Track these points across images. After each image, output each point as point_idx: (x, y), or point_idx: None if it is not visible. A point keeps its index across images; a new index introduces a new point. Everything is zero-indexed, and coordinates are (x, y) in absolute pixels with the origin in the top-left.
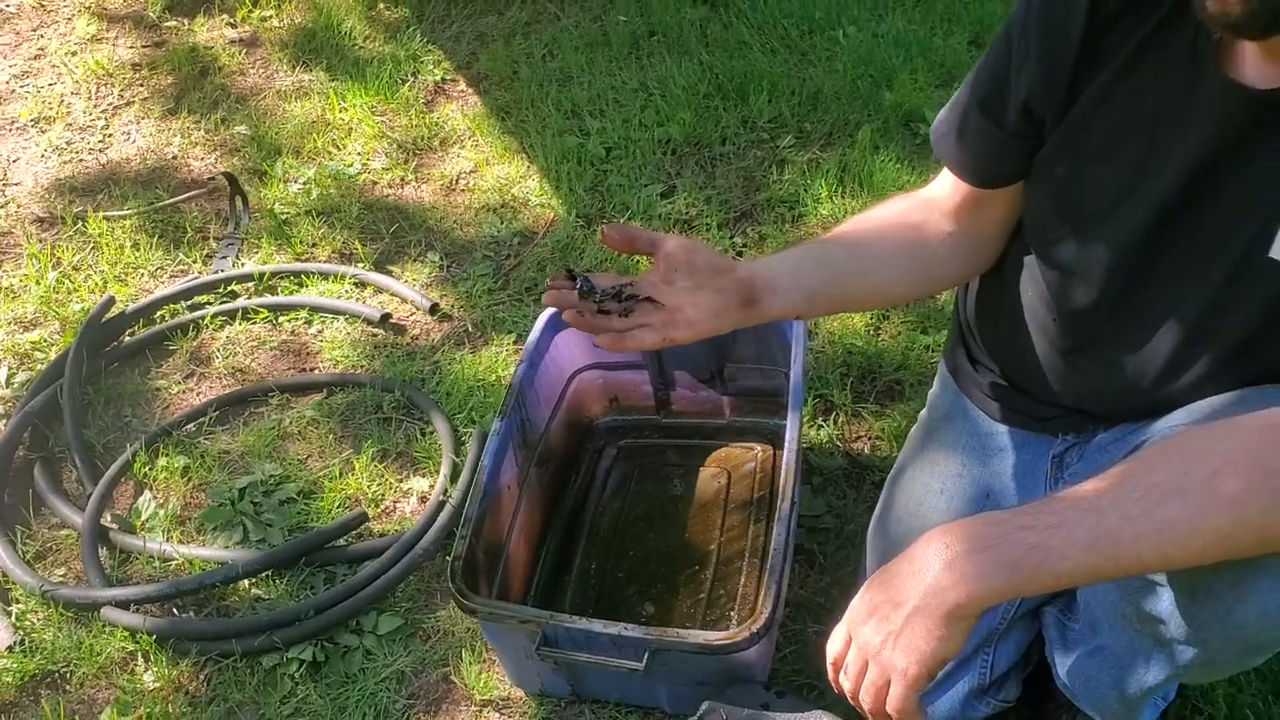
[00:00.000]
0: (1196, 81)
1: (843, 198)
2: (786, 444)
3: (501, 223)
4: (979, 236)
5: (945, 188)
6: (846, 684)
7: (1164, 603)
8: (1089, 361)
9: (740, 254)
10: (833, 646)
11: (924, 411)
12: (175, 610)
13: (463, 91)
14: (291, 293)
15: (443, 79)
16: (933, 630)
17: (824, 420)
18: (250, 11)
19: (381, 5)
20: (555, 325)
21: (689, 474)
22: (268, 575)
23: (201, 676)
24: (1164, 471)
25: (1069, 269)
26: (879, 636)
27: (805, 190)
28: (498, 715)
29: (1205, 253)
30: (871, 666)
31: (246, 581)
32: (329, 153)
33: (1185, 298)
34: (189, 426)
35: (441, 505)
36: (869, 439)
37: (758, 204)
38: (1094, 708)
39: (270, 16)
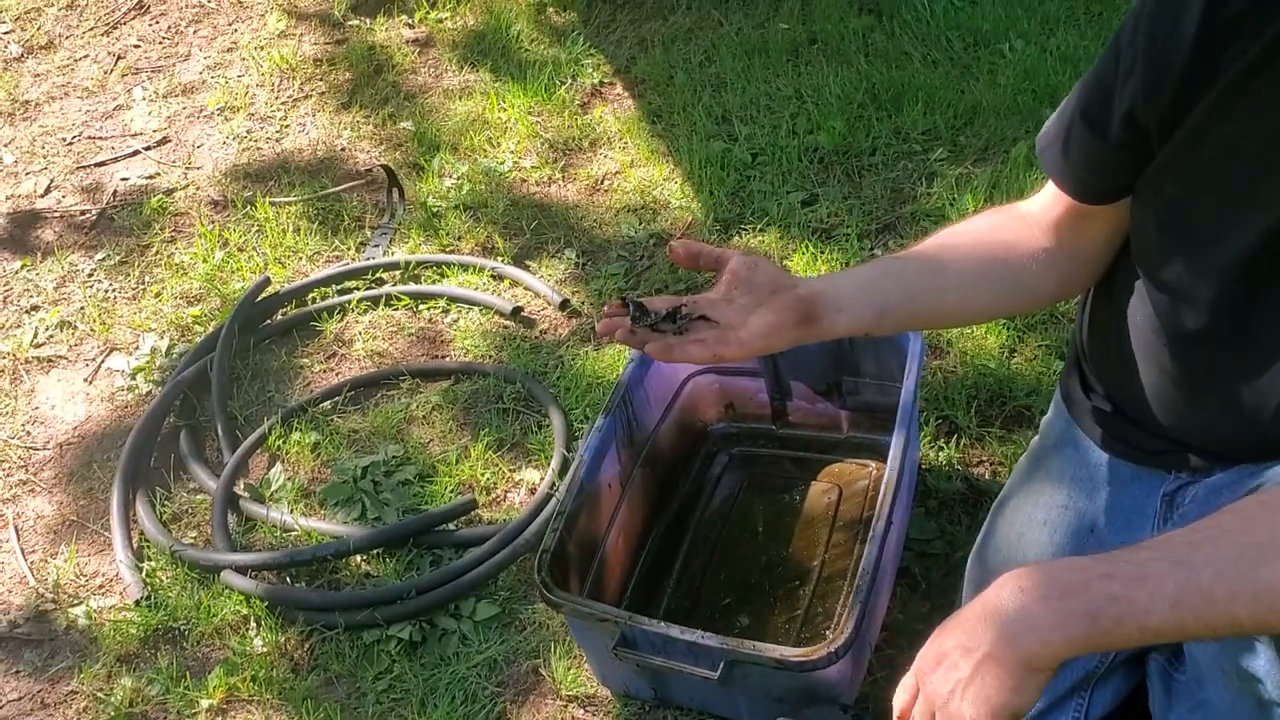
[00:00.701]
0: None
1: None
2: (890, 461)
3: (640, 223)
4: (1077, 254)
5: (1046, 200)
6: None
7: (1261, 661)
8: (1203, 393)
9: None
10: (900, 697)
11: (1035, 438)
12: (289, 579)
13: (618, 95)
14: (433, 282)
15: (600, 82)
16: (1004, 680)
17: (945, 442)
18: (428, 13)
19: (551, 9)
20: None
21: (800, 487)
22: (378, 553)
23: (306, 646)
24: (1266, 529)
25: (1178, 293)
26: (947, 686)
27: (952, 204)
28: (582, 712)
29: None
30: (938, 719)
31: (357, 557)
32: (484, 150)
33: None
34: (324, 405)
35: (548, 499)
36: (990, 464)
37: (902, 216)
38: None
39: (445, 18)
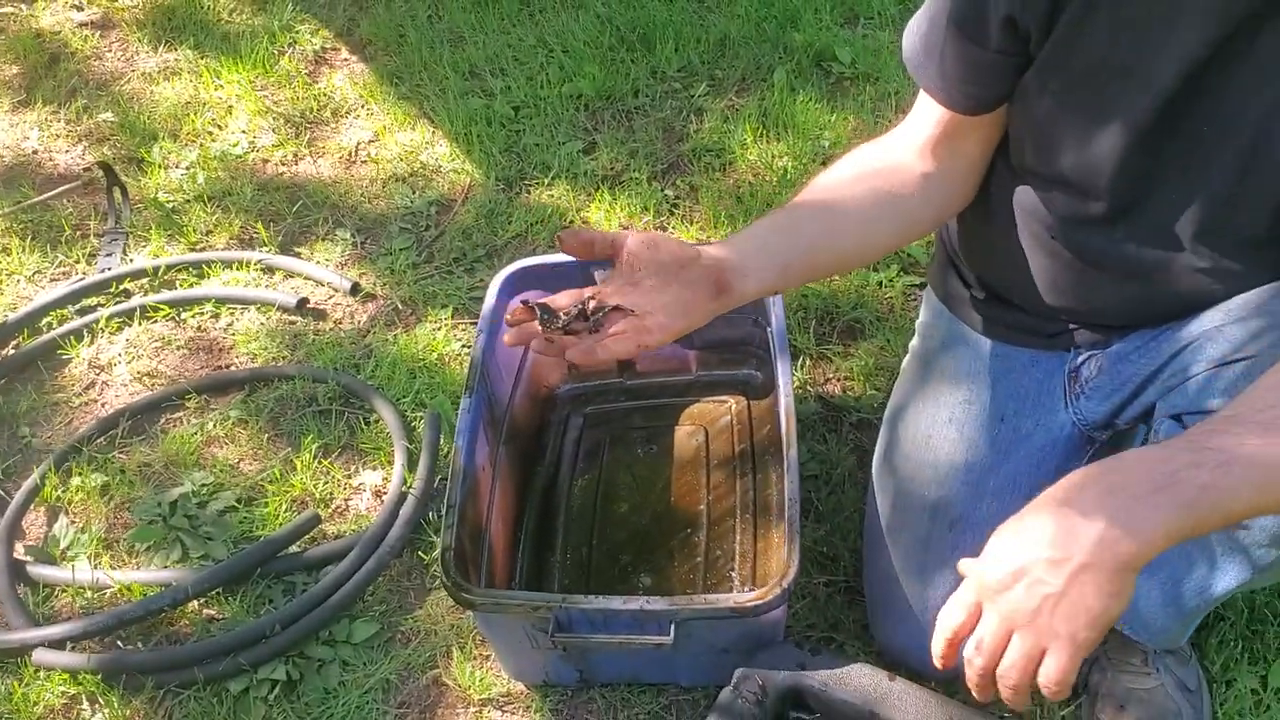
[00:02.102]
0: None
1: (768, 142)
2: (781, 387)
3: (414, 192)
4: (954, 173)
5: (921, 122)
6: (978, 660)
7: None
8: (1095, 272)
9: (674, 207)
10: (954, 616)
11: (915, 342)
12: (119, 643)
13: (346, 59)
14: (192, 285)
15: (323, 48)
16: (1104, 587)
17: (793, 367)
18: None
19: None
20: (510, 289)
21: (663, 435)
22: (219, 593)
23: (160, 713)
24: None
25: (1070, 183)
26: (1032, 602)
27: (729, 136)
28: (499, 713)
29: (1209, 151)
30: (1022, 637)
31: (196, 603)
32: (210, 133)
33: (1194, 197)
34: (100, 440)
35: (403, 497)
36: (839, 380)
37: (683, 155)
38: (1140, 627)
39: None
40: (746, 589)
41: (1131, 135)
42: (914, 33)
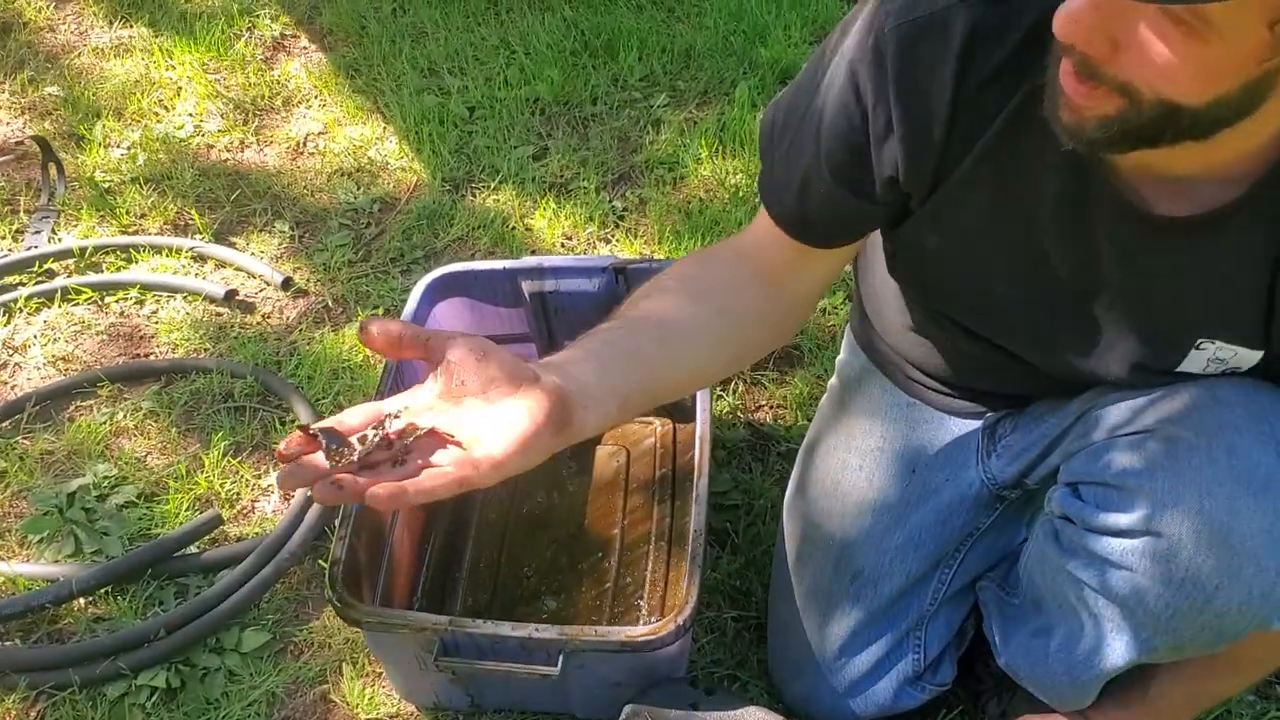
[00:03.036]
0: (1079, 189)
1: (723, 158)
2: (699, 415)
3: (358, 188)
4: (795, 299)
5: (766, 244)
6: None
7: (1129, 587)
8: (1017, 374)
9: (621, 218)
10: None
11: (834, 379)
12: None
13: (305, 48)
14: (119, 269)
15: (282, 34)
16: None
17: (723, 390)
18: None
19: None
20: (433, 296)
21: (583, 453)
22: (107, 592)
23: (33, 714)
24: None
25: (971, 330)
26: None
27: (685, 150)
28: None
29: (1114, 301)
30: None
31: (82, 601)
32: (156, 114)
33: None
34: (4, 424)
35: (310, 502)
36: (771, 407)
37: (635, 166)
38: (1041, 689)
39: None
40: (652, 619)
41: (1023, 307)
42: (770, 153)
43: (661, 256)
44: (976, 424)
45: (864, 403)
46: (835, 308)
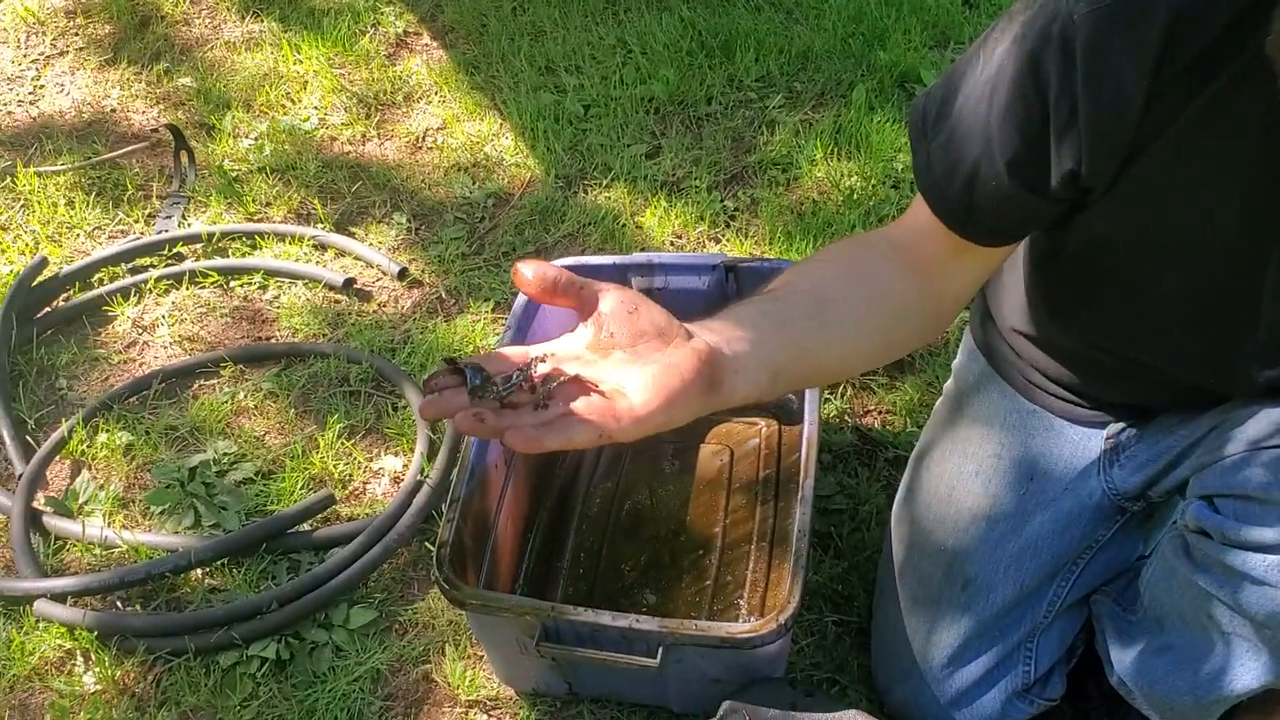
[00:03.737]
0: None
1: (838, 159)
2: (807, 415)
3: (474, 183)
4: (946, 296)
5: (921, 237)
6: None
7: (1269, 605)
8: (1152, 386)
9: (732, 218)
10: None
11: (949, 383)
12: (119, 604)
13: (426, 45)
14: (244, 255)
15: (405, 31)
16: None
17: (830, 394)
18: None
19: None
20: None
21: (687, 452)
22: (224, 564)
23: (150, 677)
24: None
25: (1118, 328)
26: None
27: (799, 151)
28: (485, 717)
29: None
30: None
31: (199, 571)
32: (283, 107)
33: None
34: (132, 399)
35: (419, 486)
36: (879, 413)
37: (748, 166)
38: (1158, 709)
39: None
40: (752, 618)
41: (1172, 292)
42: (926, 144)
43: (773, 257)
44: (1099, 432)
45: (981, 408)
46: None
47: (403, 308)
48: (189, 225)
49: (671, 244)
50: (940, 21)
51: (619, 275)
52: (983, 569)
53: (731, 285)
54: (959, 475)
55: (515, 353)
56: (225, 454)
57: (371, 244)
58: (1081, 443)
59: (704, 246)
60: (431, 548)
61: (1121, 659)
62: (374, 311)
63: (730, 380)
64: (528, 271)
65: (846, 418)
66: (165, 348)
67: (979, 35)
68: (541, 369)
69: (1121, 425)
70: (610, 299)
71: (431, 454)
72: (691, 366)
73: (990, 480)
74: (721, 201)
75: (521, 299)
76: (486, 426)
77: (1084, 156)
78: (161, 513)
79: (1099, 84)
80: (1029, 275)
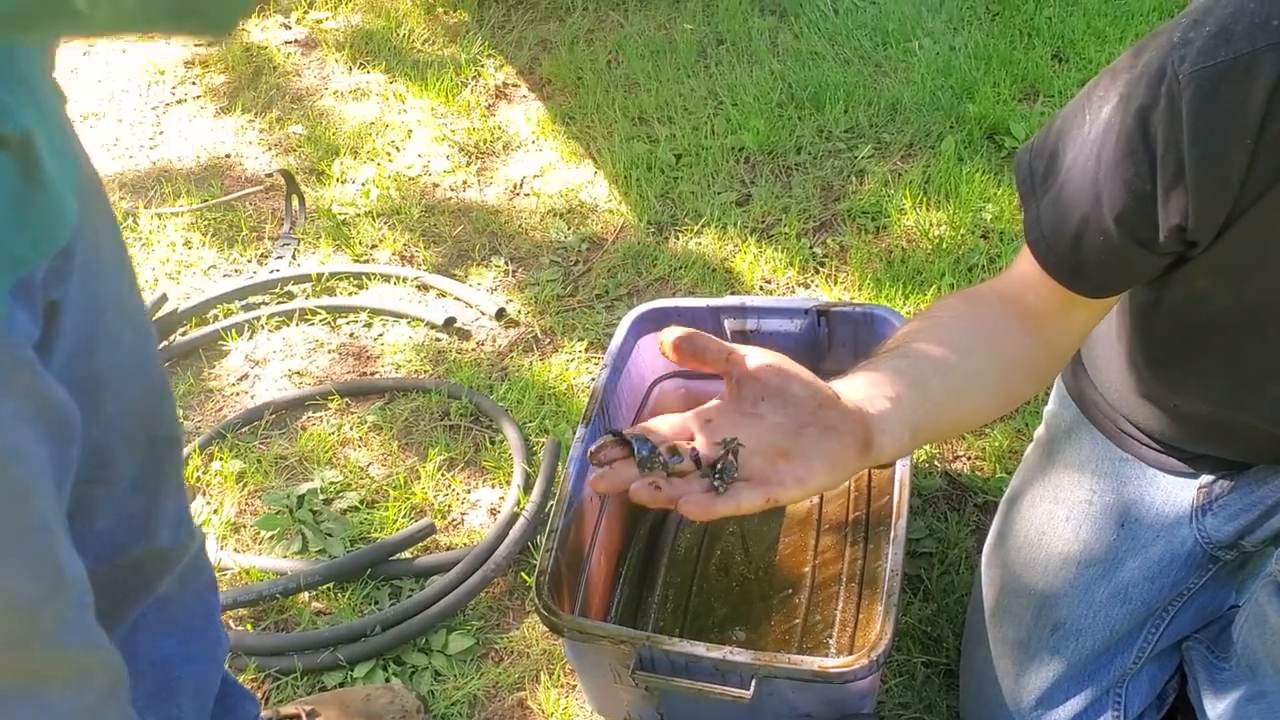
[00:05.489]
0: None
1: (927, 209)
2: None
3: (569, 228)
4: (1057, 347)
5: (1032, 290)
6: None
7: None
8: (1249, 440)
9: (821, 264)
10: None
11: (1040, 429)
12: (231, 623)
13: (525, 96)
14: (351, 294)
15: (504, 83)
16: None
17: None
18: (305, 14)
19: (440, 9)
20: (639, 330)
21: None
22: (329, 588)
23: (259, 694)
24: None
25: (1216, 383)
26: None
27: (888, 200)
28: None
29: None
30: None
31: (306, 594)
32: (388, 154)
33: None
34: (244, 429)
35: (515, 518)
36: (969, 458)
37: (838, 214)
38: None
39: (325, 19)
40: (842, 657)
41: None
42: (1034, 199)
43: (863, 302)
44: (1192, 481)
45: (1073, 454)
46: None
47: (500, 346)
48: (299, 265)
49: (761, 288)
50: (1029, 75)
51: (712, 317)
52: (1073, 613)
53: (824, 328)
54: (1050, 520)
55: (676, 421)
56: (331, 483)
57: (471, 285)
58: (1173, 491)
59: (793, 291)
60: (526, 578)
61: (1214, 706)
62: (473, 349)
63: (879, 440)
64: (672, 339)
65: (936, 462)
66: (275, 381)
67: (1076, 90)
68: (703, 439)
69: (1215, 475)
70: (757, 359)
71: (527, 487)
72: (849, 430)
73: (1081, 526)
74: (811, 248)
75: (617, 339)
76: (662, 496)
77: (1190, 212)
78: (271, 537)
79: (1204, 142)
80: (1125, 326)
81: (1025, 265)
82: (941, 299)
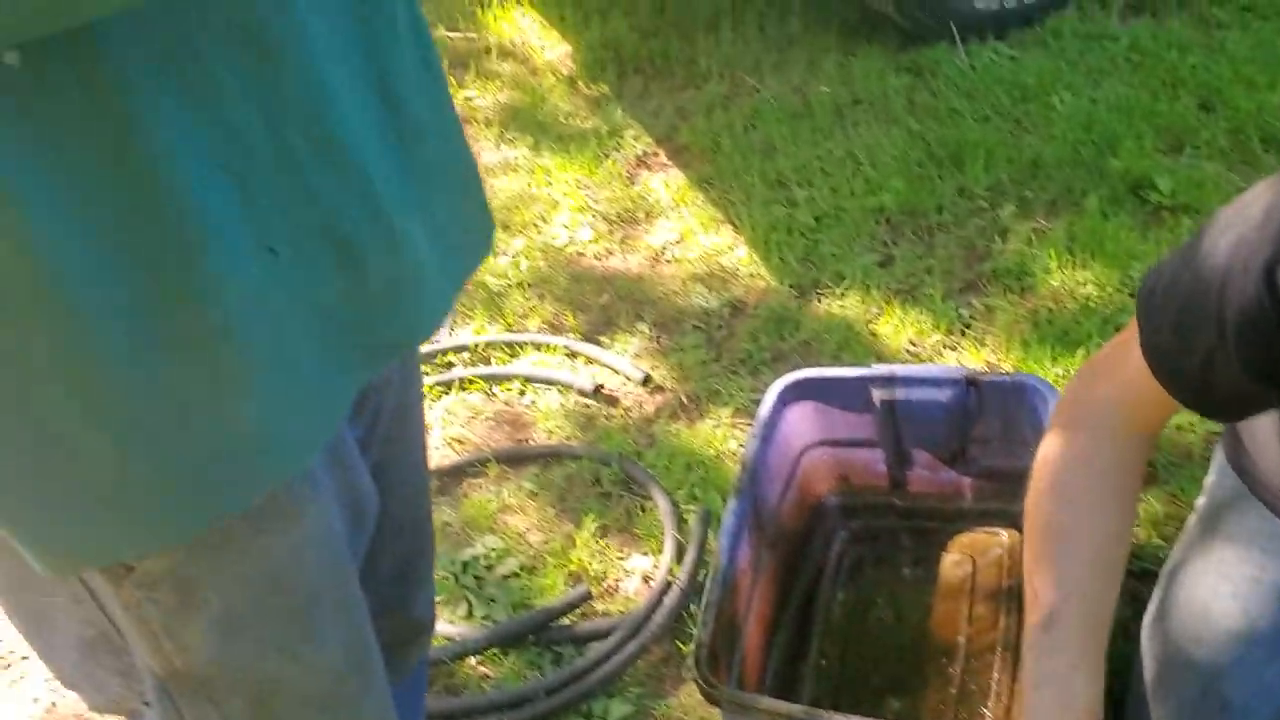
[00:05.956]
0: None
1: (1073, 268)
2: None
3: (710, 293)
4: (1151, 441)
5: (1149, 404)
6: None
7: None
8: None
9: (967, 327)
10: None
11: (1201, 499)
12: None
13: (664, 164)
14: (505, 363)
15: (644, 152)
16: None
17: None
18: (456, 92)
19: (581, 82)
20: (786, 399)
21: (929, 560)
22: (495, 652)
23: None
24: None
25: None
26: None
27: (1033, 260)
28: None
29: None
30: None
31: (473, 659)
32: (536, 226)
33: None
34: None
35: (668, 586)
36: None
37: (982, 274)
38: None
39: (474, 97)
40: None
41: None
42: (1156, 323)
43: (1010, 368)
44: None
45: (1237, 528)
46: (1191, 425)
47: (647, 412)
48: (456, 336)
49: (907, 351)
50: (1174, 127)
51: (859, 388)
52: (1241, 692)
53: (973, 398)
54: (1215, 595)
55: None
56: (492, 549)
57: (617, 351)
58: None
59: (940, 355)
60: (681, 646)
61: None
62: (621, 415)
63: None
64: None
65: None
66: (438, 448)
67: (1224, 141)
68: None
69: None
70: None
71: (679, 555)
72: None
73: (1249, 602)
74: (956, 309)
75: (765, 408)
76: None
77: None
78: (438, 603)
79: None
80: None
81: (1144, 382)
82: (1083, 475)
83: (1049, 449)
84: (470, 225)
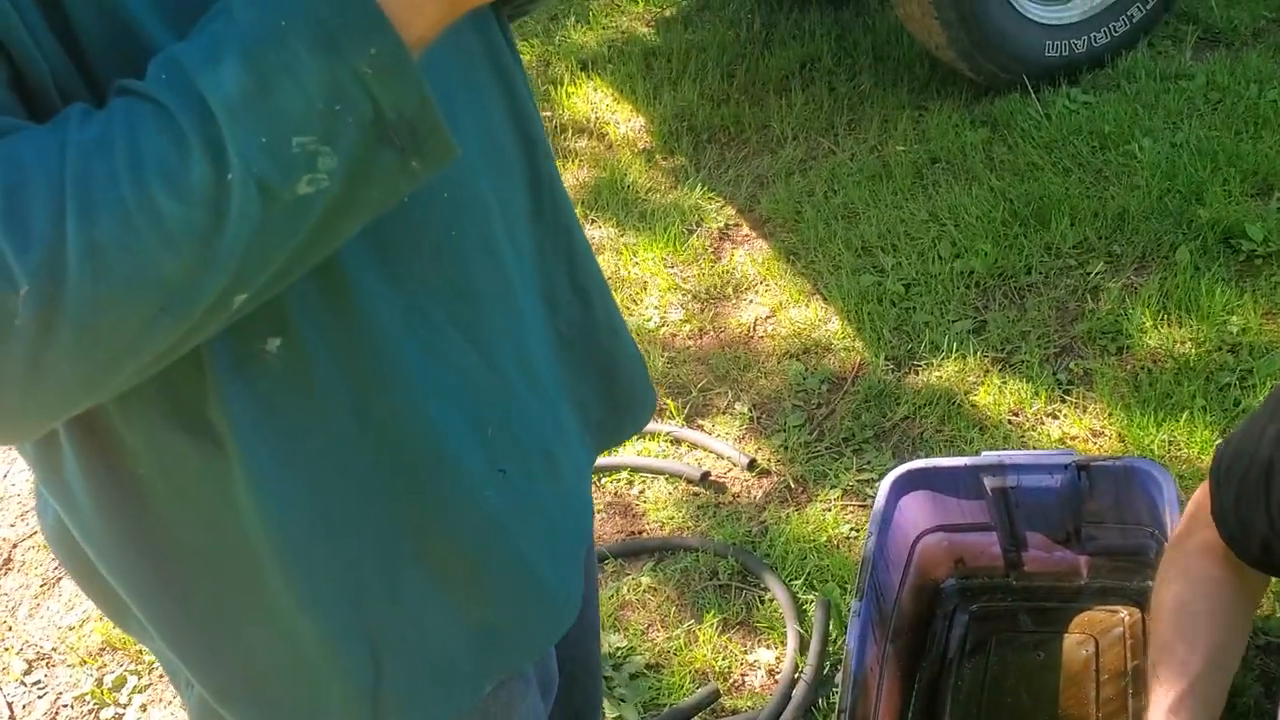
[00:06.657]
0: None
1: (1168, 325)
2: None
3: (806, 369)
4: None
5: (1239, 572)
6: None
7: None
8: None
9: (1067, 393)
10: None
11: None
12: None
13: (747, 236)
14: (611, 454)
15: (726, 225)
16: None
17: None
18: None
19: (659, 156)
20: (900, 489)
21: (1051, 641)
22: None
23: None
24: None
25: None
26: None
27: (1126, 319)
28: None
29: None
30: None
31: None
32: (627, 309)
33: None
34: None
35: (795, 682)
36: None
37: (1077, 336)
38: None
39: None
40: None
41: None
42: (1225, 495)
43: (1114, 436)
44: None
45: None
46: None
47: (755, 498)
48: None
49: (1009, 423)
50: (1261, 169)
51: (971, 477)
52: None
53: (1084, 482)
54: None
55: None
56: (618, 647)
57: (719, 435)
58: None
59: (1042, 423)
60: None
61: None
62: (729, 502)
63: None
64: None
65: None
66: None
67: None
68: None
69: None
70: None
71: (802, 648)
72: None
73: None
74: (1054, 374)
75: (879, 502)
76: None
77: None
78: None
79: None
80: None
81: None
82: (1187, 614)
83: (1161, 597)
84: (618, 403)
